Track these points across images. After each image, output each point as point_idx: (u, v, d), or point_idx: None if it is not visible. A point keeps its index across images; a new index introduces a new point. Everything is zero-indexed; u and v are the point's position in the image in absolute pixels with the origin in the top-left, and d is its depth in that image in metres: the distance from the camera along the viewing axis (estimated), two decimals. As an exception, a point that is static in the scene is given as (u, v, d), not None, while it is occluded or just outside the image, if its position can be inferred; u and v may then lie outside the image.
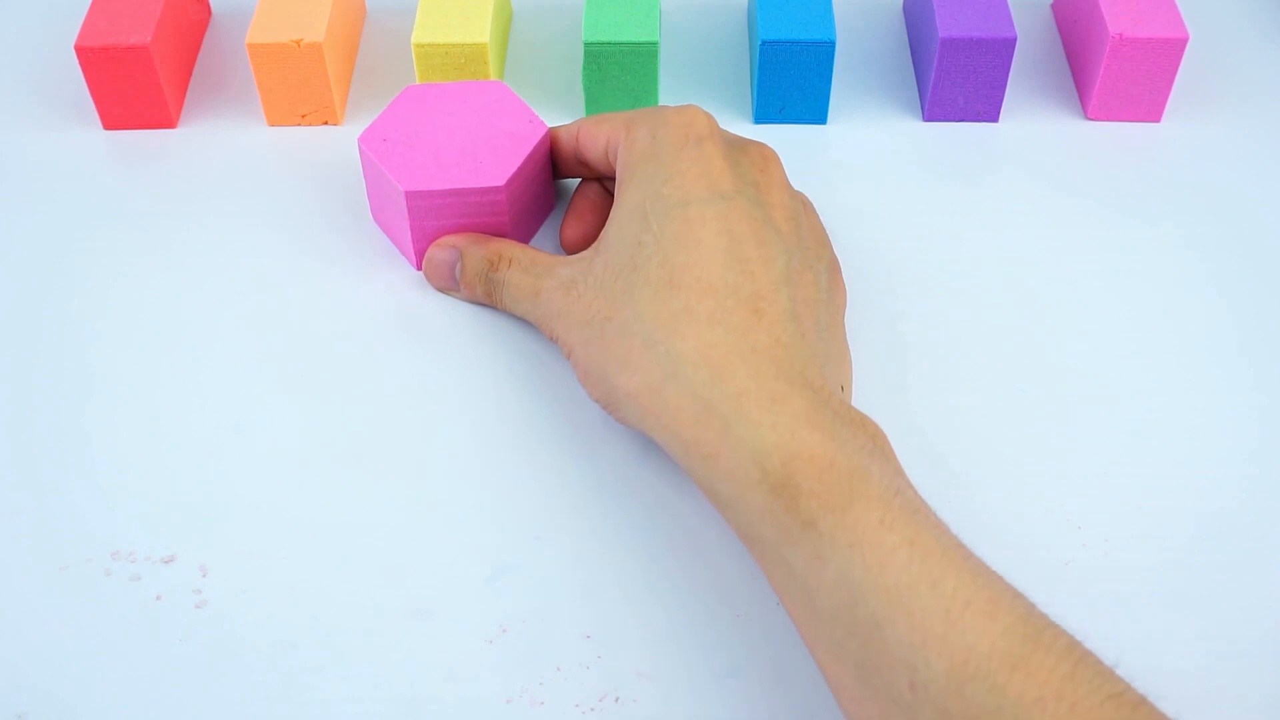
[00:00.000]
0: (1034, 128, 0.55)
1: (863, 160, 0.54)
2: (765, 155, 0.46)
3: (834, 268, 0.46)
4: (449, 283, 0.48)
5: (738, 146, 0.46)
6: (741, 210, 0.42)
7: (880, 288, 0.49)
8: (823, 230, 0.47)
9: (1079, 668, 0.32)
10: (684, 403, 0.39)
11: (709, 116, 0.45)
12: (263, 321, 0.48)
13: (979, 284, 0.49)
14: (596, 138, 0.47)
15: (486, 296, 0.48)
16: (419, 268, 0.49)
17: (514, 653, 0.40)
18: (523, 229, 0.50)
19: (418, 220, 0.48)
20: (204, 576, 0.41)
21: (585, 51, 0.52)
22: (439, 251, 0.48)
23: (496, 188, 0.47)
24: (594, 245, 0.45)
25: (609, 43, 0.52)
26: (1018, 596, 0.34)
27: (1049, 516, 0.43)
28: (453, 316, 0.48)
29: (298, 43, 0.52)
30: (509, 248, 0.47)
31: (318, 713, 0.39)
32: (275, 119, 0.55)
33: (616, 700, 0.39)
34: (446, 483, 0.44)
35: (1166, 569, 0.42)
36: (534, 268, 0.46)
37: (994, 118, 0.55)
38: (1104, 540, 0.42)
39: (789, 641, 0.40)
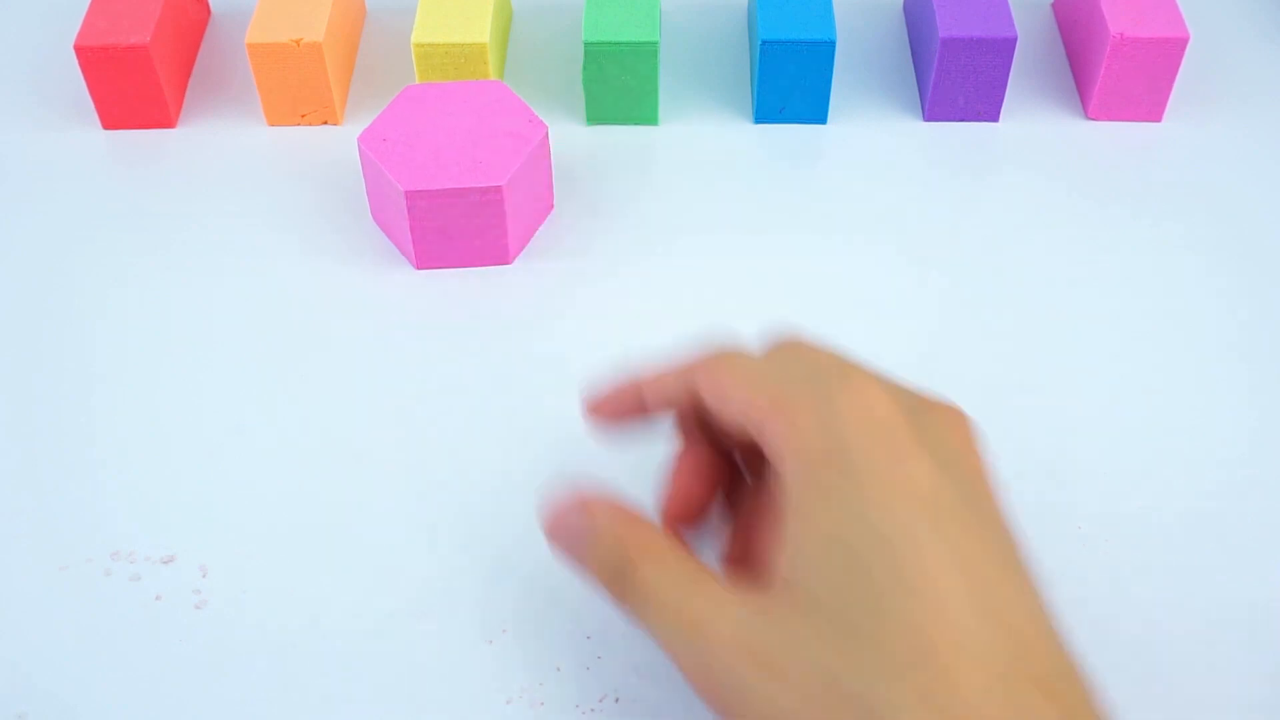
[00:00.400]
0: (1034, 128, 0.55)
1: (863, 160, 0.54)
2: (956, 422, 0.35)
3: None
4: (580, 553, 0.36)
5: (920, 413, 0.34)
6: (962, 523, 0.32)
7: (880, 288, 0.49)
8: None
9: None
10: None
11: (881, 386, 0.34)
12: (263, 321, 0.48)
13: (979, 284, 0.49)
14: (728, 399, 0.36)
15: (619, 594, 0.35)
16: (419, 267, 0.49)
17: (514, 653, 0.40)
18: (522, 229, 0.50)
19: (418, 220, 0.48)
20: (204, 576, 0.41)
21: (585, 51, 0.52)
22: (572, 516, 0.36)
23: (496, 187, 0.47)
24: (778, 586, 0.33)
25: (609, 43, 0.52)
26: None
27: (1049, 516, 0.43)
28: (453, 316, 0.48)
29: (297, 42, 0.52)
30: (655, 538, 0.35)
31: (318, 713, 0.39)
32: (275, 119, 0.55)
33: (616, 700, 0.39)
34: (447, 482, 0.44)
35: (1166, 569, 0.42)
36: (691, 584, 0.34)
37: (994, 118, 0.55)
38: (1104, 540, 0.42)
39: (789, 641, 0.40)
